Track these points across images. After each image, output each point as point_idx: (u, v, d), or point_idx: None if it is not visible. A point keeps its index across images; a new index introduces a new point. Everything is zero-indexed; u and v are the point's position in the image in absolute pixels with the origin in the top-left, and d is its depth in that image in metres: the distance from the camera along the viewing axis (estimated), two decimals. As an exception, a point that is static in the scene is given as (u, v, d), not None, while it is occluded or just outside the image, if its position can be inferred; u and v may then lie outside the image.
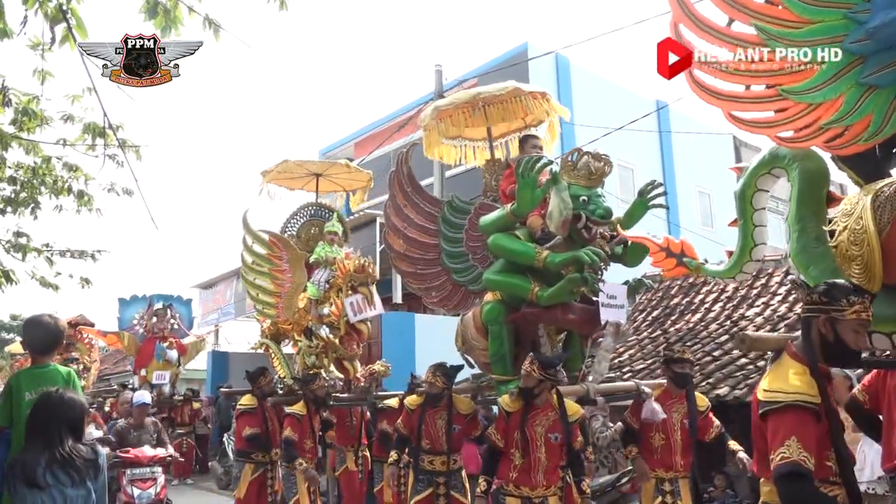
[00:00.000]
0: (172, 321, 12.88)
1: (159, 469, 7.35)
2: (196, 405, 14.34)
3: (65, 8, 3.69)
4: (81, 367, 13.47)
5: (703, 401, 5.51)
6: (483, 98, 5.81)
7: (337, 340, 7.71)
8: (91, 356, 13.95)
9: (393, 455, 5.91)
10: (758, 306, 11.01)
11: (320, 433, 7.31)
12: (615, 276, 5.42)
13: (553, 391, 4.72)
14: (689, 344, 10.31)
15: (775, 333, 3.07)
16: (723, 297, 11.78)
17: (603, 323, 5.08)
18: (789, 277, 8.40)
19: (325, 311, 7.81)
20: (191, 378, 18.43)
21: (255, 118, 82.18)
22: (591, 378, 5.21)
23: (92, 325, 14.27)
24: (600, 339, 5.28)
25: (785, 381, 2.66)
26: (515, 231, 5.29)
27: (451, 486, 5.63)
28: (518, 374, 5.30)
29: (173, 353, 12.36)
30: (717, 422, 5.46)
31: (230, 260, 24.36)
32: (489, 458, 4.81)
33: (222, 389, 10.60)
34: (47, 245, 6.51)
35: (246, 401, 7.50)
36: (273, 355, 8.29)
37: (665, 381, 5.42)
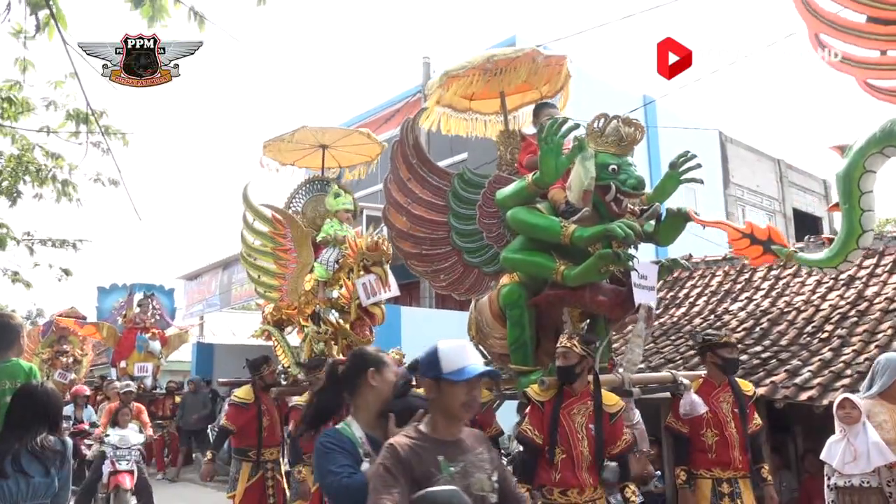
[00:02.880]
0: (154, 311, 11.82)
1: None
2: (178, 398, 13.38)
3: None
4: (71, 359, 12.48)
5: (747, 386, 4.73)
6: (497, 61, 4.99)
7: (347, 325, 6.71)
8: (83, 349, 12.97)
9: None
10: (741, 301, 10.64)
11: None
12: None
13: (591, 376, 3.95)
14: (672, 338, 9.77)
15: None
16: (707, 291, 11.33)
17: (636, 306, 4.32)
18: None
19: (335, 293, 6.81)
20: (175, 370, 17.39)
21: (239, 109, 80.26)
22: (622, 368, 4.45)
23: (84, 318, 13.24)
24: (631, 325, 4.52)
25: None
26: (536, 205, 4.52)
27: None
28: (540, 364, 4.54)
29: (156, 345, 11.29)
30: (758, 419, 4.67)
31: (216, 251, 23.24)
32: (529, 462, 3.93)
33: (220, 380, 9.57)
34: (28, 234, 6.19)
35: (241, 393, 6.44)
36: (276, 343, 7.18)
37: (704, 371, 4.68)
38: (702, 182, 4.77)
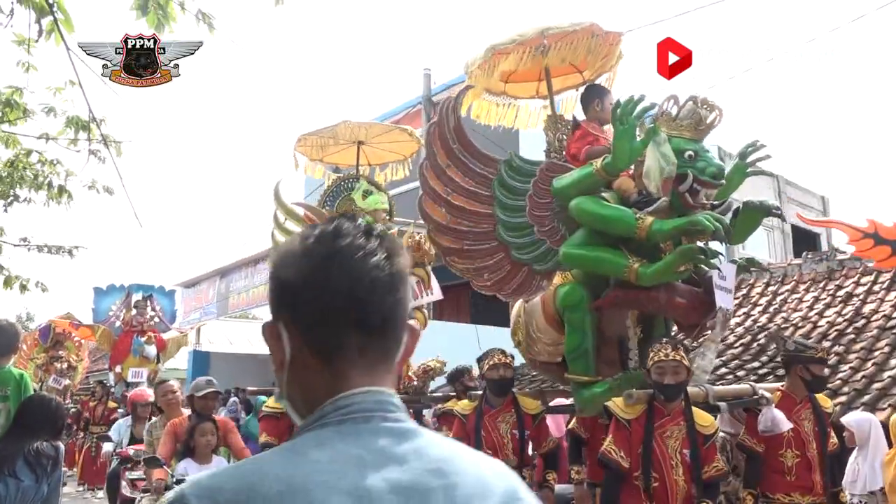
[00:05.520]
0: (153, 314, 10.69)
1: None
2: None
3: (51, 1, 3.20)
4: (66, 365, 11.36)
5: (826, 403, 3.98)
6: (552, 35, 4.20)
7: None
8: (79, 355, 11.83)
9: None
10: (739, 316, 10.10)
11: None
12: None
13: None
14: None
15: None
16: (703, 305, 10.74)
17: (717, 309, 3.56)
18: None
19: None
20: (170, 378, 16.22)
21: (239, 118, 78.31)
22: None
23: (80, 323, 12.14)
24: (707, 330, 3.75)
25: None
26: (602, 194, 3.75)
27: None
28: (599, 374, 3.74)
29: (152, 349, 10.10)
30: (835, 438, 3.91)
31: (214, 259, 22.21)
32: (613, 486, 3.17)
33: (250, 389, 8.54)
34: (25, 239, 5.75)
35: (272, 402, 5.58)
36: None
37: (784, 385, 3.92)
38: (772, 175, 4.05)
